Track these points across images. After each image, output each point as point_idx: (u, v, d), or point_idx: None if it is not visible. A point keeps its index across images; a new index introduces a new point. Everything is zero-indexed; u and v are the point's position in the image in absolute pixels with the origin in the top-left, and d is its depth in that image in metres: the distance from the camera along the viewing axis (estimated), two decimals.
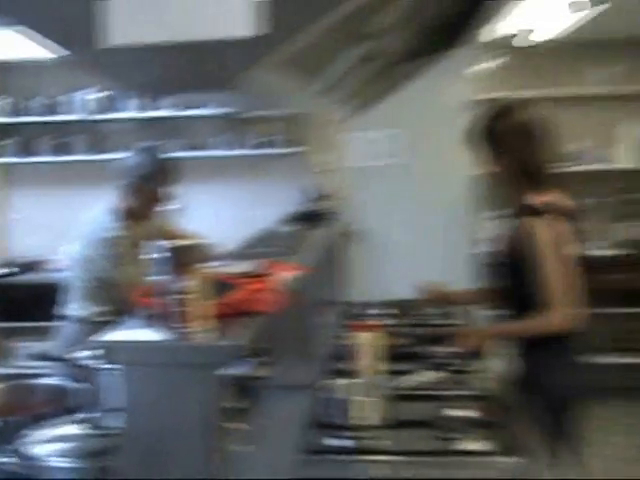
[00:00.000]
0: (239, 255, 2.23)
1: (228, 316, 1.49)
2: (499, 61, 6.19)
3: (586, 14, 4.35)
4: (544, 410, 2.71)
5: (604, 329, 6.06)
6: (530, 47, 5.70)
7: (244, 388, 1.91)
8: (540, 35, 5.29)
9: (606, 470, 4.77)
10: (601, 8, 4.11)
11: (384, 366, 2.52)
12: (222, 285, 1.57)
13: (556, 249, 2.69)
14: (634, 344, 6.04)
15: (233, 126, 5.97)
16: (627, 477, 4.65)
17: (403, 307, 3.69)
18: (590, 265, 5.97)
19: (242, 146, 6.05)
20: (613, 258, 5.94)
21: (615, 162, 6.09)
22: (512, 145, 2.78)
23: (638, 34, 5.89)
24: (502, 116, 2.83)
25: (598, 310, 5.78)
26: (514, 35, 5.27)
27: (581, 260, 2.79)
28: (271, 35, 1.24)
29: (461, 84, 5.83)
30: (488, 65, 6.13)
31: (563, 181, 2.83)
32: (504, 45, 5.87)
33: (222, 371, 1.44)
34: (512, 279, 2.79)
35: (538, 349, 2.77)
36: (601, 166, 6.06)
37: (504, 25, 4.84)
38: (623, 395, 6.06)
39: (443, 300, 3.32)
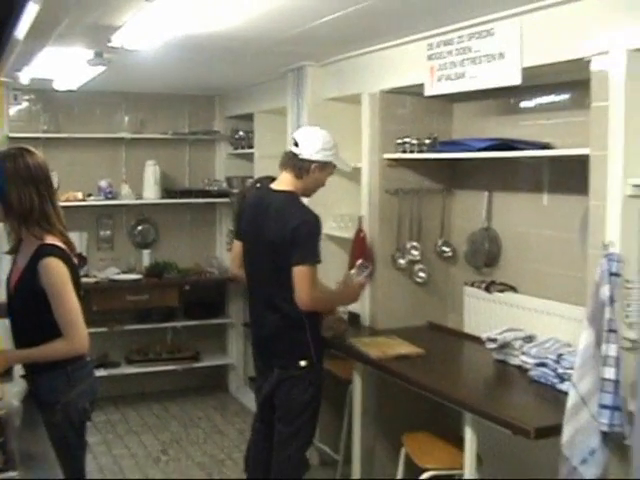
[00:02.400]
0: None
1: None
2: (29, 103, 6.06)
3: (102, 70, 4.46)
4: (55, 425, 2.73)
5: (124, 344, 6.27)
6: (58, 93, 5.67)
7: None
8: (65, 83, 5.30)
9: (137, 467, 4.94)
10: (102, 68, 4.28)
11: None
12: None
13: (69, 282, 2.75)
14: (145, 356, 6.29)
15: None
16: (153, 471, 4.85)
17: None
18: (113, 288, 6.11)
19: None
20: (132, 281, 6.11)
21: (142, 197, 6.29)
22: (19, 188, 2.74)
23: (144, 90, 6.28)
24: (5, 163, 2.76)
25: (119, 327, 5.99)
26: (51, 80, 5.21)
27: (83, 288, 2.89)
28: None
29: None
30: (18, 106, 5.99)
31: (63, 223, 2.86)
32: (32, 89, 5.80)
33: None
34: (31, 309, 2.77)
35: (47, 370, 2.78)
36: (128, 200, 6.21)
37: (30, 70, 4.76)
38: (143, 399, 6.34)
39: None
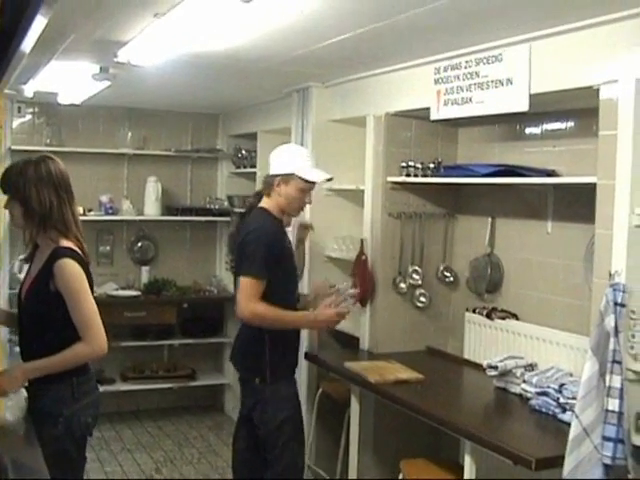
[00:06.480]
0: None
1: None
2: (32, 116, 6.06)
3: (108, 84, 4.45)
4: (56, 438, 2.69)
5: (120, 360, 6.21)
6: (62, 107, 5.67)
7: None
8: (69, 97, 5.29)
9: None
10: (107, 83, 4.28)
11: None
12: None
13: (85, 283, 2.73)
14: (140, 373, 6.24)
15: None
16: None
17: None
18: (111, 303, 6.06)
19: None
20: (130, 298, 6.08)
21: (142, 213, 6.29)
22: (39, 191, 2.75)
23: (148, 106, 6.30)
24: (28, 167, 2.79)
25: (116, 343, 5.93)
26: (55, 94, 5.21)
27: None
28: None
29: None
30: (21, 119, 5.98)
31: (83, 227, 2.88)
32: (36, 102, 5.80)
33: None
34: (44, 314, 2.75)
35: (54, 382, 2.74)
36: (129, 216, 6.21)
37: (35, 84, 4.75)
38: (137, 417, 6.28)
39: None
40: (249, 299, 3.28)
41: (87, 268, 2.79)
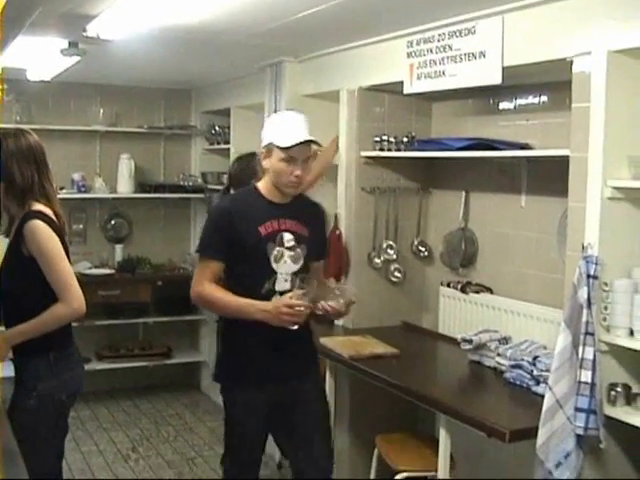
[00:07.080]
0: None
1: None
2: (1, 93, 5.93)
3: (77, 60, 4.36)
4: (28, 412, 2.69)
5: (95, 339, 6.16)
6: (31, 83, 5.57)
7: None
8: (38, 73, 5.19)
9: (106, 464, 4.85)
10: (77, 58, 4.20)
11: None
12: None
13: (58, 244, 2.70)
14: (116, 352, 6.20)
15: None
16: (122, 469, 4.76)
17: None
18: (85, 282, 6.00)
19: None
20: (104, 276, 6.04)
21: (115, 191, 6.22)
22: (21, 165, 2.73)
23: (119, 83, 6.20)
24: (8, 141, 2.75)
25: (90, 322, 5.86)
26: (24, 70, 5.10)
27: None
28: None
29: None
30: None
31: (58, 200, 2.86)
32: (5, 78, 5.67)
33: None
34: (20, 281, 2.73)
35: (31, 355, 2.72)
36: (101, 194, 6.16)
37: (3, 59, 4.64)
38: (113, 396, 6.24)
39: None
40: (198, 279, 3.01)
41: (62, 236, 2.76)
